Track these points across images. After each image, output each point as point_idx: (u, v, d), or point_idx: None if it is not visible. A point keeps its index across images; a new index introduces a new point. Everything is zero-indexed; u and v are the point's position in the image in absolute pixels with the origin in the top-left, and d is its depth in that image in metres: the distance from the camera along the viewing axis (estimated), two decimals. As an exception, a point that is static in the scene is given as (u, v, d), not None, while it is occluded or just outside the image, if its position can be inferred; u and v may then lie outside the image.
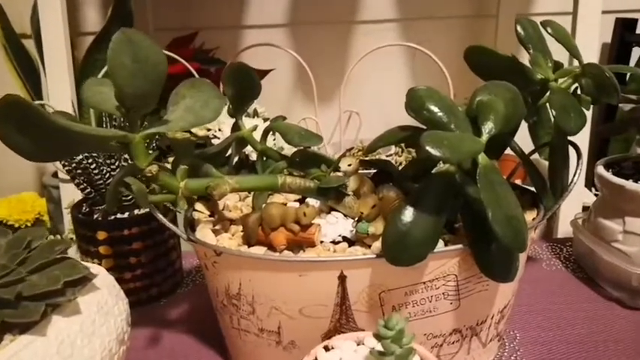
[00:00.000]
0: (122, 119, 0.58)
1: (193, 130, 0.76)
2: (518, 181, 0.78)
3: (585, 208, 0.71)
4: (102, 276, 0.39)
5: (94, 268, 0.39)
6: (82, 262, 0.37)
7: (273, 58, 0.94)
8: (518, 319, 0.55)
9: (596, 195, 0.70)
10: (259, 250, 0.42)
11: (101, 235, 0.56)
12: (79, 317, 0.34)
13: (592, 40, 0.68)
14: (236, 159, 0.74)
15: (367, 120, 0.94)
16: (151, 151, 0.60)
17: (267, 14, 1.00)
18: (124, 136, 0.38)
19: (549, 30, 0.45)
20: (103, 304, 0.37)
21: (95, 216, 0.58)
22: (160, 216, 0.43)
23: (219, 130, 0.75)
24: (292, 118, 0.83)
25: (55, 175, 0.86)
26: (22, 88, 0.86)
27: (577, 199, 0.71)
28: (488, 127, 0.38)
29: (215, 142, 0.71)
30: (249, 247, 0.43)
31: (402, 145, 0.83)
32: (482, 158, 0.37)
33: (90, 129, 0.36)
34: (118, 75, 0.34)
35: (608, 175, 0.57)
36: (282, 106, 1.01)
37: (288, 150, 0.56)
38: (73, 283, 0.35)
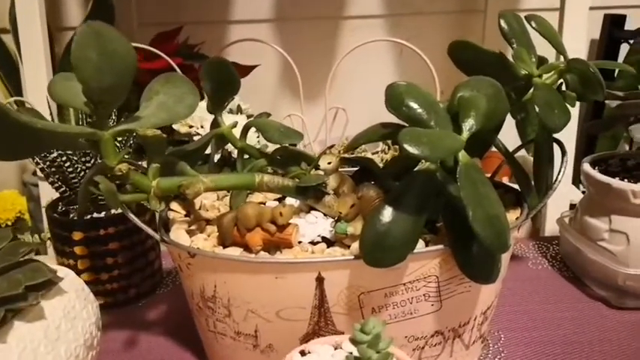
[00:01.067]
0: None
1: (175, 127, 0.75)
2: (505, 179, 0.77)
3: (572, 206, 0.70)
4: (70, 279, 0.37)
5: (62, 270, 0.37)
6: (49, 265, 0.36)
7: (259, 54, 0.93)
8: (503, 320, 0.54)
9: (583, 193, 0.70)
10: (235, 252, 0.40)
11: (77, 235, 0.55)
12: (43, 323, 0.33)
13: (580, 36, 0.67)
14: (218, 157, 0.73)
15: (354, 117, 0.92)
16: (130, 149, 0.58)
17: (254, 9, 0.98)
18: (92, 133, 0.36)
19: (533, 24, 0.44)
20: (70, 308, 0.35)
21: (71, 215, 0.57)
22: (132, 216, 0.41)
23: (202, 127, 0.74)
24: (278, 114, 0.82)
25: (35, 173, 0.84)
26: (0, 84, 0.84)
27: (564, 197, 0.71)
28: (469, 124, 0.37)
29: (197, 139, 0.70)
30: (224, 248, 0.41)
31: (389, 142, 0.82)
32: (462, 156, 0.36)
33: (55, 125, 0.34)
34: (82, 69, 0.33)
35: (595, 173, 0.57)
36: (268, 103, 0.99)
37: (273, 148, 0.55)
38: (36, 287, 0.33)
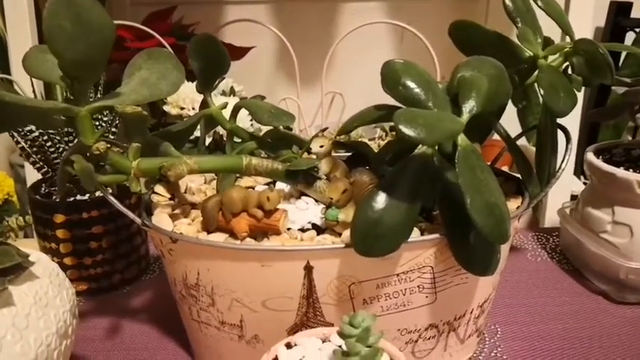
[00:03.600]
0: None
1: (166, 109, 0.72)
2: (505, 168, 0.75)
3: (574, 197, 0.68)
4: (42, 263, 0.35)
5: (34, 254, 0.35)
6: (20, 249, 0.33)
7: (256, 36, 0.90)
8: (500, 313, 0.52)
9: (585, 183, 0.68)
10: (219, 238, 0.38)
11: (58, 218, 0.52)
12: (11, 310, 0.31)
13: (585, 23, 0.65)
14: (210, 140, 0.70)
15: (351, 102, 0.90)
16: (114, 129, 0.56)
17: (250, -11, 0.95)
18: (66, 108, 0.34)
19: (539, 3, 0.42)
20: (42, 294, 0.33)
21: (53, 197, 0.54)
22: (112, 198, 0.39)
23: (193, 108, 0.72)
24: (273, 98, 0.80)
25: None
26: (-14, 61, 0.82)
27: (565, 187, 0.69)
28: (469, 106, 0.35)
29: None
30: (208, 233, 0.39)
31: (387, 128, 0.80)
32: (462, 140, 0.34)
33: (24, 100, 0.32)
34: (55, 39, 0.31)
35: (598, 162, 0.54)
36: (263, 86, 0.97)
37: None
38: (4, 272, 0.31)
